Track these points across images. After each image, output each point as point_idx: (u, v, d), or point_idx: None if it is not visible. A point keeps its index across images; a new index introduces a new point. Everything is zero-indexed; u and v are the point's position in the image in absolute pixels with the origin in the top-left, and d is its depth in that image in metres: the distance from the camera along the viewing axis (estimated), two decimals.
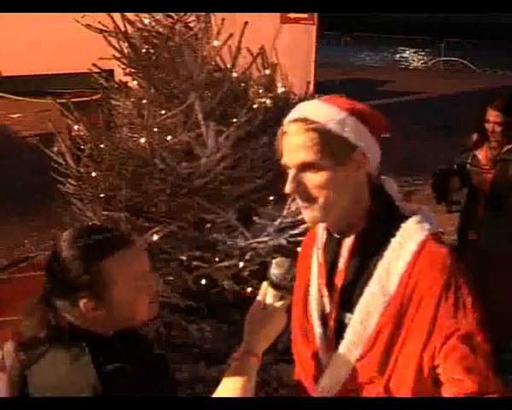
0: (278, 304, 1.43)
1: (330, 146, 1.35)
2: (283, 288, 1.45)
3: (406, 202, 1.51)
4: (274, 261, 1.46)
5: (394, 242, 1.39)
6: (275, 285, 1.44)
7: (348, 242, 1.45)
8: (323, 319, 1.50)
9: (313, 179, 1.38)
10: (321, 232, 1.54)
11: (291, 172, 1.40)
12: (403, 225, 1.40)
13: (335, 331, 1.47)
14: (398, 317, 1.36)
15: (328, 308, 1.48)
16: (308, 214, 1.43)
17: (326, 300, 1.49)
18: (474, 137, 3.72)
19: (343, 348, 1.42)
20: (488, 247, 3.47)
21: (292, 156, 1.39)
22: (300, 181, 1.39)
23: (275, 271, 1.44)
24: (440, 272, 1.33)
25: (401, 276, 1.36)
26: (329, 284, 1.48)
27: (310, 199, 1.40)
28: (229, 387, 1.38)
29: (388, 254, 1.38)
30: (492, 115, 3.52)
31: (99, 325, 1.38)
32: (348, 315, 1.43)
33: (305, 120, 1.37)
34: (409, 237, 1.38)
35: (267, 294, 1.45)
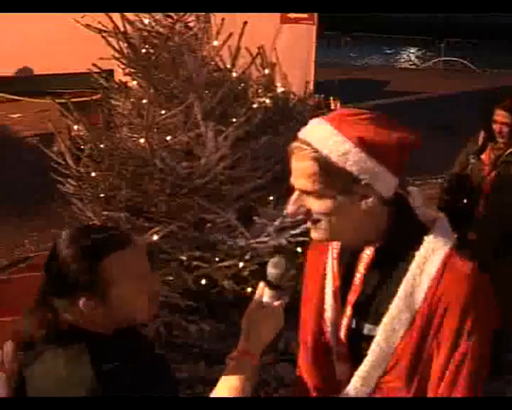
0: (275, 304, 1.43)
1: (331, 178, 1.31)
2: (280, 288, 1.44)
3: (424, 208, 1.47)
4: (271, 261, 1.44)
5: (418, 256, 1.35)
6: (272, 285, 1.43)
7: (365, 256, 1.41)
8: (338, 328, 1.48)
9: (315, 205, 1.34)
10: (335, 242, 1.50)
11: (294, 194, 1.37)
12: (426, 239, 1.36)
13: (353, 341, 1.45)
14: (423, 332, 1.34)
15: (341, 318, 1.46)
16: (313, 234, 1.40)
17: (340, 310, 1.46)
18: (481, 138, 3.70)
19: (367, 364, 1.40)
20: (487, 248, 3.45)
21: (294, 180, 1.36)
22: (302, 204, 1.36)
23: (272, 271, 1.43)
24: (464, 290, 1.31)
25: (426, 291, 1.33)
26: (344, 295, 1.46)
27: (313, 221, 1.37)
28: (226, 387, 1.38)
29: (413, 269, 1.35)
30: (500, 115, 3.50)
31: (98, 324, 1.38)
32: (367, 326, 1.41)
33: (308, 145, 1.32)
34: (432, 251, 1.35)
35: (264, 294, 1.44)
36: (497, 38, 23.89)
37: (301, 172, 1.34)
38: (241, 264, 2.77)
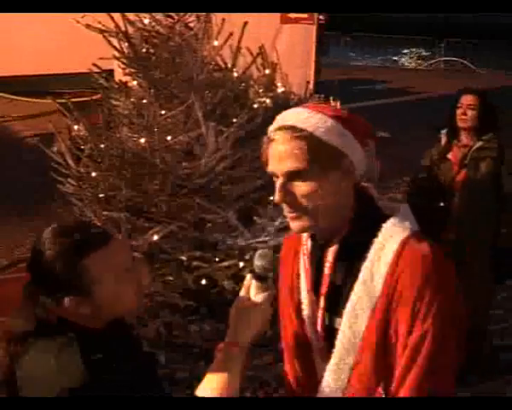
0: (262, 296, 1.43)
1: (318, 154, 1.34)
2: (267, 279, 1.44)
3: (387, 201, 1.50)
4: (257, 253, 1.45)
5: (376, 243, 1.37)
6: (258, 277, 1.44)
7: (333, 247, 1.43)
8: (315, 324, 1.49)
9: (301, 188, 1.36)
10: (305, 238, 1.52)
11: (279, 181, 1.38)
12: (384, 225, 1.38)
13: (328, 337, 1.46)
14: (385, 317, 1.34)
15: (317, 314, 1.47)
16: (296, 224, 1.41)
17: (315, 306, 1.48)
18: (444, 138, 3.66)
19: (335, 356, 1.41)
20: (463, 245, 3.43)
21: (280, 165, 1.37)
22: (288, 190, 1.37)
23: (258, 262, 1.43)
24: (420, 272, 1.31)
25: (385, 277, 1.34)
26: (316, 289, 1.47)
27: (298, 208, 1.38)
28: (214, 378, 1.38)
29: (371, 255, 1.37)
30: (464, 99, 3.48)
31: (86, 319, 1.38)
32: (338, 320, 1.42)
33: (292, 128, 1.35)
34: (390, 237, 1.36)
35: (251, 286, 1.45)
36: (497, 38, 23.90)
37: (288, 153, 1.36)
38: (241, 264, 2.77)
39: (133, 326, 2.53)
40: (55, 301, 1.36)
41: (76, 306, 1.36)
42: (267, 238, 2.72)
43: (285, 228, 2.75)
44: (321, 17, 8.35)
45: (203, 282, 2.79)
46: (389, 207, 1.45)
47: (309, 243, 1.51)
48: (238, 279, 2.80)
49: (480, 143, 3.47)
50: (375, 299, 1.36)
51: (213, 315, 2.87)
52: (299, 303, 1.53)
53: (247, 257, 2.77)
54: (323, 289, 1.45)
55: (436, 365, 1.32)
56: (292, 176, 1.36)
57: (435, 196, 3.59)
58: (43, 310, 1.37)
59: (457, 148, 3.56)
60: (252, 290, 1.44)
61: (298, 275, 1.53)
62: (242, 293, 1.46)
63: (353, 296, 1.38)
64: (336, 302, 1.42)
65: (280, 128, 1.38)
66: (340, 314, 1.41)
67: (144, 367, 1.46)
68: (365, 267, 1.37)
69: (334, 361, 1.41)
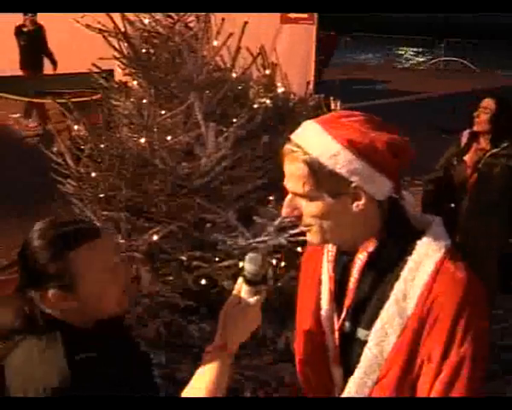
0: (252, 300, 1.43)
1: (321, 180, 1.31)
2: (256, 283, 1.44)
3: (418, 212, 1.47)
4: (247, 257, 1.45)
5: (411, 261, 1.34)
6: (248, 281, 1.44)
7: (359, 260, 1.40)
8: (333, 331, 1.48)
9: (307, 208, 1.35)
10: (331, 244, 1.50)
11: (288, 196, 1.37)
12: (418, 243, 1.35)
13: (345, 344, 1.45)
14: (415, 338, 1.32)
15: (337, 323, 1.46)
16: (308, 237, 1.41)
17: (335, 314, 1.47)
18: (464, 139, 3.66)
19: (360, 370, 1.39)
20: (471, 249, 3.42)
21: (287, 182, 1.37)
22: (295, 206, 1.36)
23: (247, 266, 1.43)
24: (457, 296, 1.29)
25: (418, 297, 1.32)
26: (339, 299, 1.46)
27: (307, 224, 1.37)
28: (202, 380, 1.39)
29: (405, 274, 1.34)
30: (484, 102, 3.49)
31: (72, 315, 1.39)
32: (361, 331, 1.41)
33: (299, 148, 1.33)
34: (425, 256, 1.33)
35: (242, 289, 1.45)
36: (497, 38, 23.91)
37: (292, 174, 1.35)
38: (241, 264, 2.76)
39: (131, 327, 2.54)
40: (41, 294, 1.37)
41: (60, 300, 1.36)
42: (267, 238, 2.71)
43: (285, 228, 2.75)
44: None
45: (203, 282, 2.79)
46: (421, 222, 1.41)
47: (334, 249, 1.49)
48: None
49: (495, 149, 3.46)
50: (406, 318, 1.33)
51: (213, 315, 2.86)
52: (319, 309, 1.51)
53: None
54: (347, 300, 1.43)
55: (474, 387, 1.31)
56: (297, 195, 1.35)
57: (446, 196, 3.60)
58: (31, 306, 1.38)
59: (475, 151, 3.57)
60: (242, 294, 1.45)
61: (320, 279, 1.51)
62: (233, 296, 1.46)
63: (384, 315, 1.35)
64: (360, 312, 1.41)
65: (291, 144, 1.36)
66: (363, 325, 1.40)
67: (137, 367, 1.46)
68: (398, 286, 1.34)
69: (358, 375, 1.40)
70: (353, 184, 1.31)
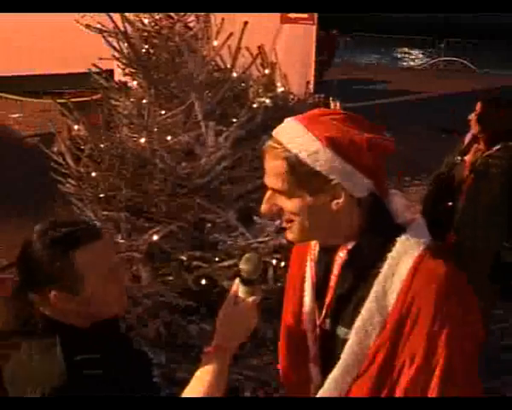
0: (249, 300, 1.43)
1: (301, 177, 1.30)
2: (253, 283, 1.44)
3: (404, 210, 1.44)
4: (243, 257, 1.45)
5: (390, 258, 1.33)
6: (244, 281, 1.44)
7: (339, 257, 1.41)
8: (315, 329, 1.49)
9: (286, 204, 1.34)
10: (314, 243, 1.50)
11: (267, 193, 1.37)
12: (398, 240, 1.34)
13: (325, 341, 1.46)
14: (396, 335, 1.32)
15: (318, 321, 1.47)
16: (287, 234, 1.41)
17: (317, 311, 1.47)
18: (467, 139, 3.68)
19: (340, 368, 1.39)
20: (466, 248, 3.42)
21: (266, 178, 1.37)
22: (275, 203, 1.36)
23: (244, 266, 1.43)
24: (436, 292, 1.28)
25: (398, 294, 1.31)
26: (320, 297, 1.46)
27: (286, 221, 1.38)
28: (201, 381, 1.39)
29: (385, 270, 1.33)
30: (477, 104, 3.52)
31: (72, 317, 1.39)
32: (341, 328, 1.41)
33: (280, 144, 1.32)
34: (404, 253, 1.33)
35: (238, 290, 1.45)
36: (497, 38, 23.91)
37: (272, 170, 1.34)
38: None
39: (131, 327, 2.53)
40: (42, 297, 1.37)
41: (61, 301, 1.36)
42: (267, 238, 2.71)
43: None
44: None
45: (203, 282, 2.79)
46: (403, 218, 1.39)
47: (317, 247, 1.49)
48: None
49: (489, 151, 3.47)
50: (386, 315, 1.33)
51: (213, 315, 2.86)
52: (301, 305, 1.52)
53: None
54: (328, 298, 1.43)
55: (468, 382, 1.31)
56: (277, 191, 1.35)
57: (446, 196, 3.61)
58: (30, 308, 1.38)
59: (474, 152, 3.57)
60: (239, 294, 1.45)
61: (303, 278, 1.52)
62: (230, 296, 1.46)
63: (364, 313, 1.35)
64: (340, 310, 1.41)
65: (272, 140, 1.36)
66: (343, 323, 1.40)
67: (136, 368, 1.47)
68: (378, 283, 1.34)
69: (338, 372, 1.40)
70: (333, 182, 1.31)
